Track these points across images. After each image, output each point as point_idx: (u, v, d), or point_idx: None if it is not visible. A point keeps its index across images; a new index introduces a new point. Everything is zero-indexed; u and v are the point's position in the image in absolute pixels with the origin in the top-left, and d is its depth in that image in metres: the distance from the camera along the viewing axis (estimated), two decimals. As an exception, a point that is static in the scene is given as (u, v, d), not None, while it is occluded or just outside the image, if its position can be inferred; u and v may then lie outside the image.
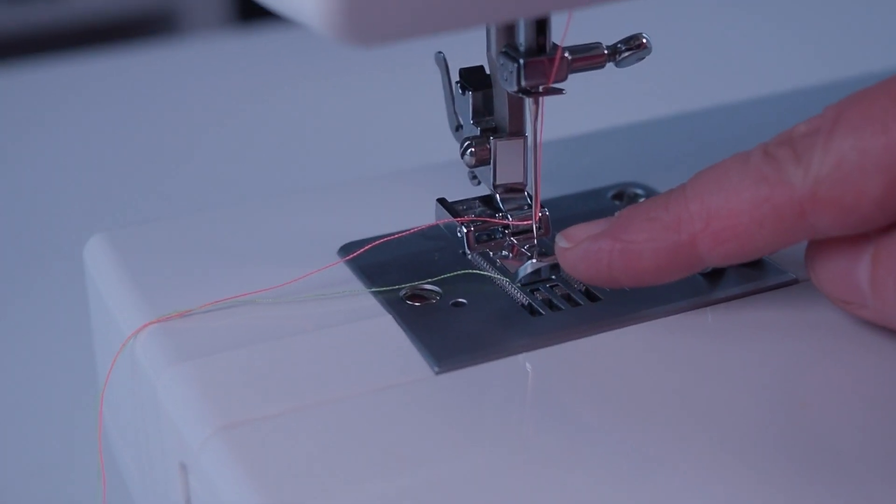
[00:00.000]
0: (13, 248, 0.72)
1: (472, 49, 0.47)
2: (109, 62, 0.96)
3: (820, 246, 0.41)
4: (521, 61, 0.42)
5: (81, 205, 0.77)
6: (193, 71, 0.95)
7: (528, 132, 0.45)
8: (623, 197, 0.52)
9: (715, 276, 0.45)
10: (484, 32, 0.44)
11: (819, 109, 0.40)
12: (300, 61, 0.95)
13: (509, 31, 0.43)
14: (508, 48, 0.42)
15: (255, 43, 1.03)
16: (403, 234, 0.47)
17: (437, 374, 0.41)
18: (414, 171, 0.53)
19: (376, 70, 0.93)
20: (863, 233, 0.40)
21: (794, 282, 0.45)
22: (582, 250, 0.42)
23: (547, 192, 0.50)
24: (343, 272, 0.47)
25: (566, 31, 0.41)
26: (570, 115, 0.58)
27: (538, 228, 0.45)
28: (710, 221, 0.40)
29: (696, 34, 1.01)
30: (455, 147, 0.46)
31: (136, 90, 0.92)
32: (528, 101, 0.43)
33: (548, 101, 0.43)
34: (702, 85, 0.89)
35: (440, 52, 0.47)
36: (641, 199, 0.51)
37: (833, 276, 0.41)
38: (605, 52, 0.43)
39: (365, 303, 0.45)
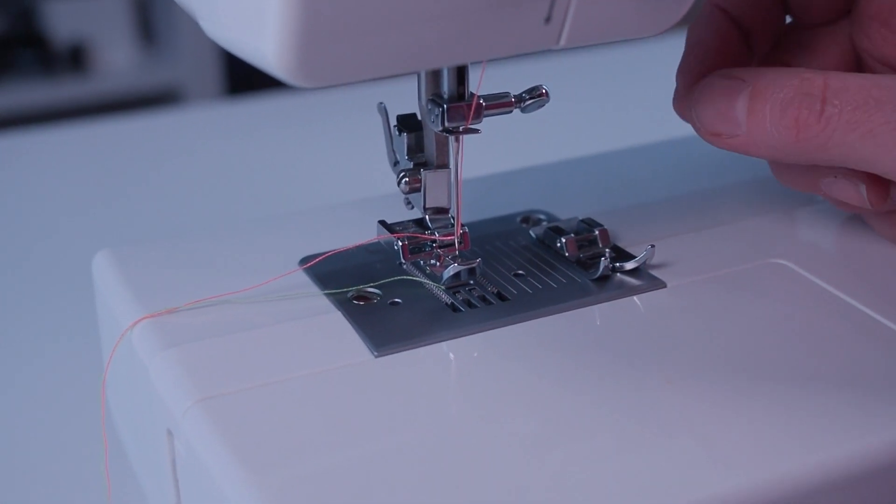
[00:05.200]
0: (34, 261, 0.72)
1: (406, 100, 0.47)
2: (126, 126, 0.97)
3: (703, 89, 0.42)
4: (445, 106, 0.42)
5: (93, 228, 0.78)
6: (192, 133, 0.96)
7: (452, 165, 0.45)
8: (529, 221, 0.51)
9: (601, 280, 0.45)
10: (416, 85, 0.44)
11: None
12: (276, 122, 0.96)
13: (436, 81, 0.43)
14: (435, 96, 0.42)
15: (241, 110, 1.04)
16: (351, 247, 0.47)
17: (377, 357, 0.41)
18: (361, 200, 0.53)
19: (330, 121, 0.95)
20: (737, 75, 0.41)
21: (664, 286, 0.45)
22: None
23: (467, 217, 0.50)
24: (302, 278, 0.46)
25: (480, 82, 0.41)
26: (486, 156, 0.58)
27: (459, 242, 0.45)
28: None
29: (588, 88, 1.01)
30: (392, 180, 0.46)
31: (143, 149, 0.92)
32: (451, 139, 0.43)
33: (468, 145, 0.43)
34: (593, 130, 0.89)
35: (381, 103, 0.46)
36: (543, 223, 0.51)
37: (713, 111, 0.42)
38: (513, 99, 0.43)
39: (319, 303, 0.45)
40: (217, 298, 0.45)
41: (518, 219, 0.52)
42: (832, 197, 0.45)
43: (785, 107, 0.40)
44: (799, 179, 0.45)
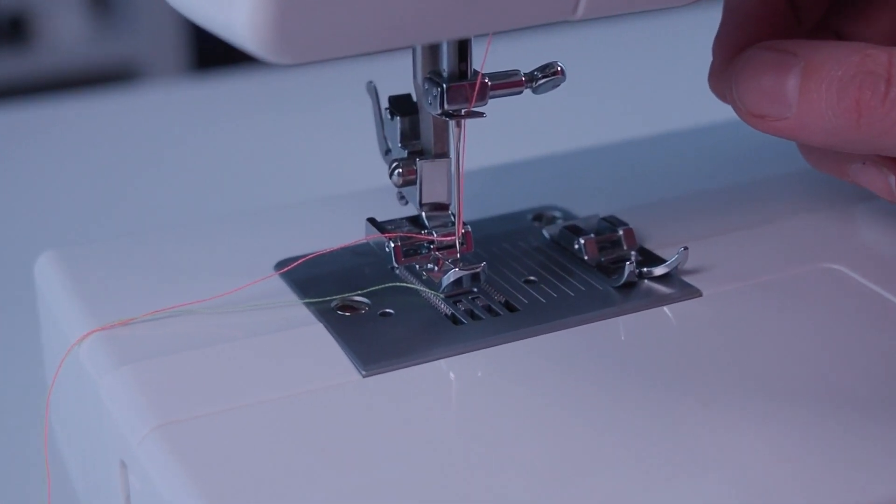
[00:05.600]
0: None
1: (400, 78, 0.47)
2: (75, 106, 0.97)
3: (746, 64, 0.42)
4: (444, 86, 0.42)
5: (36, 225, 0.78)
6: (152, 115, 0.97)
7: (452, 154, 0.44)
8: (542, 219, 0.51)
9: (625, 288, 0.45)
10: (410, 61, 0.44)
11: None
12: (249, 104, 0.97)
13: (434, 57, 0.43)
14: (433, 74, 0.42)
15: (209, 89, 1.04)
16: (335, 249, 0.47)
17: (364, 377, 0.41)
18: (347, 195, 0.53)
19: (311, 103, 0.95)
20: (787, 48, 0.41)
21: (699, 294, 0.45)
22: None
23: (470, 214, 0.50)
24: (278, 285, 0.46)
25: (485, 57, 0.41)
26: (491, 144, 0.58)
27: (461, 243, 0.45)
28: None
29: (609, 66, 1.01)
30: (384, 170, 0.46)
31: (95, 133, 0.92)
32: (452, 124, 0.43)
33: (471, 131, 0.43)
34: (615, 115, 0.89)
35: (371, 82, 0.46)
36: (559, 221, 0.50)
37: (757, 90, 0.41)
38: (523, 78, 0.43)
39: (298, 313, 0.44)
40: (179, 308, 0.44)
41: (529, 216, 0.51)
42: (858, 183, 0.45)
43: (844, 87, 0.40)
44: (826, 161, 0.46)
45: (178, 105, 0.99)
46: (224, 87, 1.01)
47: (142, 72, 2.09)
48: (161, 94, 1.06)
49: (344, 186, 0.56)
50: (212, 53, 2.03)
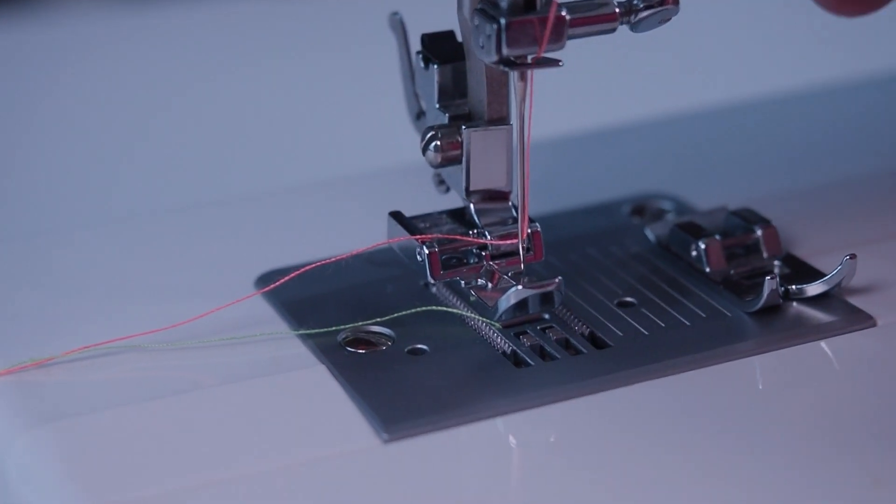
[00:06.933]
0: None
1: (437, 7, 0.47)
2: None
3: None
4: (503, 21, 0.42)
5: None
6: (65, 48, 0.96)
7: (514, 120, 0.45)
8: (644, 212, 0.52)
9: (766, 314, 0.46)
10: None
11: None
12: (210, 32, 0.96)
13: (487, -21, 0.43)
14: (486, 4, 0.42)
15: (154, 15, 1.04)
16: (342, 258, 0.47)
17: (386, 442, 0.41)
18: (359, 176, 0.53)
19: (306, 39, 0.94)
20: None
21: (873, 324, 0.46)
22: None
23: (538, 206, 0.50)
24: (262, 309, 0.47)
25: None
26: (572, 105, 0.58)
27: (526, 250, 0.46)
28: None
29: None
30: (415, 142, 0.46)
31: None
32: (514, 77, 0.43)
33: (542, 84, 0.44)
34: (745, 64, 0.89)
35: (396, 13, 0.47)
36: (669, 217, 0.51)
37: None
38: (617, 9, 0.43)
39: (291, 349, 0.45)
40: (119, 342, 0.45)
41: (626, 209, 0.52)
42: None
43: None
44: None
45: (105, 34, 0.99)
46: (177, 14, 1.01)
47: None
48: (80, 20, 1.06)
49: (355, 164, 0.57)
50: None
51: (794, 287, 0.46)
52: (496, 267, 0.46)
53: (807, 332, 0.45)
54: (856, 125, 0.57)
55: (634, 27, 0.44)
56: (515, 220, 0.46)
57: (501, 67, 0.43)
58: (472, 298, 0.46)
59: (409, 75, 0.46)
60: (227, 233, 0.51)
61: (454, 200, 0.47)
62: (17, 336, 0.46)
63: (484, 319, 0.45)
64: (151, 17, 1.01)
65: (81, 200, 0.78)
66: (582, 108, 0.59)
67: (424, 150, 0.46)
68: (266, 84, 0.90)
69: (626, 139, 0.56)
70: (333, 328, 0.46)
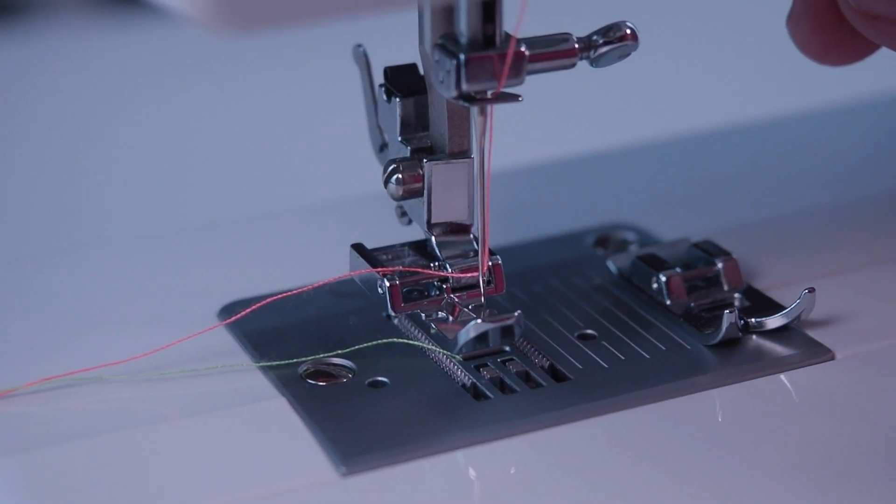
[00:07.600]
0: None
1: (401, 41, 0.47)
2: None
3: None
4: (462, 57, 0.42)
5: None
6: (45, 62, 0.96)
7: (475, 153, 0.45)
8: (607, 243, 0.52)
9: (725, 347, 0.46)
10: (416, 19, 0.44)
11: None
12: (179, 61, 0.96)
13: (447, 16, 0.43)
14: (446, 40, 0.42)
15: (126, 38, 1.04)
16: (304, 290, 0.47)
17: (344, 476, 0.41)
18: (321, 206, 0.53)
19: (273, 72, 0.94)
20: None
21: (831, 357, 0.46)
22: None
23: (499, 238, 0.51)
24: (224, 340, 0.47)
25: (521, 17, 0.41)
26: (536, 136, 0.58)
27: (487, 282, 0.46)
28: None
29: (696, 26, 1.01)
30: (379, 173, 0.46)
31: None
32: (474, 112, 0.43)
33: (504, 115, 0.44)
34: (706, 94, 0.89)
35: (360, 46, 0.47)
36: (631, 248, 0.51)
37: None
38: (577, 45, 0.43)
39: (252, 381, 0.45)
40: (81, 374, 0.45)
41: (588, 240, 0.52)
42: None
43: None
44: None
45: (80, 51, 0.98)
46: (146, 39, 1.01)
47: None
48: (57, 34, 1.06)
49: (318, 194, 0.56)
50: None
51: (753, 320, 0.46)
52: (457, 300, 0.46)
53: (766, 365, 0.45)
54: (816, 157, 0.57)
55: (594, 62, 0.44)
56: (477, 253, 0.46)
57: (461, 102, 0.43)
58: (432, 331, 0.46)
59: (373, 107, 0.47)
60: (190, 263, 0.51)
61: (417, 232, 0.47)
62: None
63: (445, 352, 0.46)
64: (115, 49, 1.01)
65: (41, 229, 0.78)
66: (547, 138, 0.59)
67: (386, 182, 0.46)
68: (229, 115, 0.90)
69: (591, 169, 0.57)
70: (294, 360, 0.46)
